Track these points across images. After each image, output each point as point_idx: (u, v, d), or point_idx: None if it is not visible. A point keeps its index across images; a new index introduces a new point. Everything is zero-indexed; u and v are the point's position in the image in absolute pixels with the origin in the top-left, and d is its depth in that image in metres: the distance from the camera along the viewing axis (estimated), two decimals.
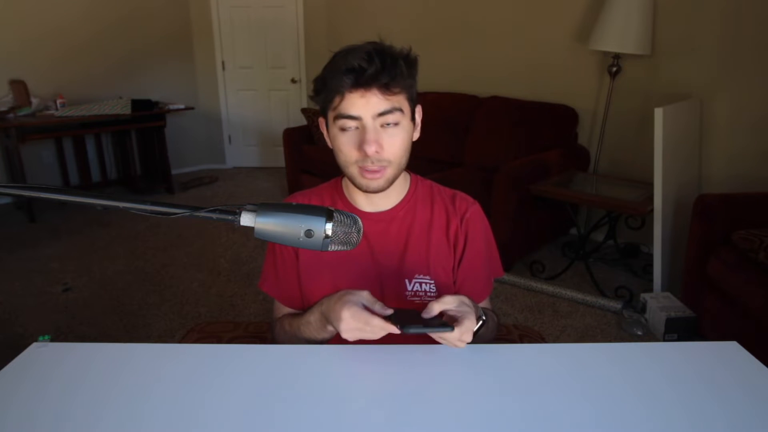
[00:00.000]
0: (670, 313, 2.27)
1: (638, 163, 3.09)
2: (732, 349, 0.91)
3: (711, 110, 2.79)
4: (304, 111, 4.05)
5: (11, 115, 3.55)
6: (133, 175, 4.40)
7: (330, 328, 0.90)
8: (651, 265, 2.65)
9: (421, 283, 1.01)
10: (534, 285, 2.74)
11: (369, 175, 0.92)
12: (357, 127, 0.90)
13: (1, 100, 3.72)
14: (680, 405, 0.76)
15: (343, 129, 0.90)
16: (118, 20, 4.26)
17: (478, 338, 0.87)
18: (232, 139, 5.13)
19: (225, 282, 2.81)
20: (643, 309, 2.44)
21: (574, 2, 3.24)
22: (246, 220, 0.64)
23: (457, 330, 0.79)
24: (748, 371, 0.85)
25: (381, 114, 0.88)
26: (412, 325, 0.78)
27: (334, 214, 0.66)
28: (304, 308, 1.05)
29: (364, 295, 0.86)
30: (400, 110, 0.90)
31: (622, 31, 2.80)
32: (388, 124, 0.90)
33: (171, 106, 4.24)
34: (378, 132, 0.89)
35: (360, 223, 0.70)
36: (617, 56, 2.98)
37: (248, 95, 5.00)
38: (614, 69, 3.00)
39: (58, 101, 3.77)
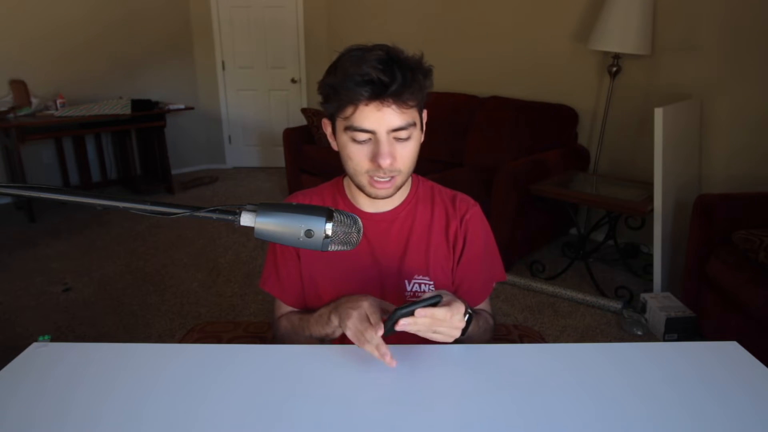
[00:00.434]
0: (670, 313, 2.27)
1: (638, 163, 3.09)
2: (732, 349, 0.91)
3: (711, 110, 2.78)
4: (304, 111, 4.05)
5: (11, 115, 3.54)
6: (133, 175, 4.40)
7: (334, 321, 0.90)
8: (651, 265, 2.65)
9: (420, 284, 1.01)
10: (534, 285, 2.74)
11: (379, 185, 0.92)
12: (370, 139, 0.88)
13: (1, 100, 3.72)
14: (680, 405, 0.76)
15: (354, 140, 0.89)
16: (118, 20, 4.26)
17: (468, 338, 0.87)
18: (232, 139, 5.13)
19: (225, 282, 2.81)
20: (643, 309, 2.44)
21: (574, 2, 3.24)
22: (246, 220, 0.64)
23: (446, 309, 0.77)
24: (748, 371, 0.85)
25: (396, 129, 0.87)
26: (398, 311, 0.77)
27: (334, 214, 0.66)
28: (305, 307, 1.06)
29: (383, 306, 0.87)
30: (414, 125, 0.89)
31: (622, 31, 2.80)
32: (401, 138, 0.89)
33: (171, 106, 4.24)
34: (392, 144, 0.88)
35: (360, 223, 0.69)
36: (617, 56, 2.98)
37: (248, 95, 4.99)
38: (614, 69, 3.00)
39: (58, 101, 3.77)
